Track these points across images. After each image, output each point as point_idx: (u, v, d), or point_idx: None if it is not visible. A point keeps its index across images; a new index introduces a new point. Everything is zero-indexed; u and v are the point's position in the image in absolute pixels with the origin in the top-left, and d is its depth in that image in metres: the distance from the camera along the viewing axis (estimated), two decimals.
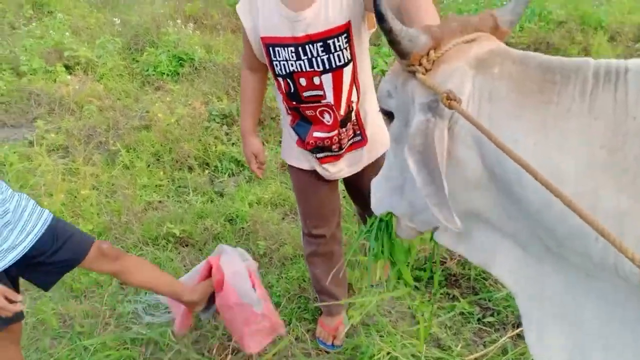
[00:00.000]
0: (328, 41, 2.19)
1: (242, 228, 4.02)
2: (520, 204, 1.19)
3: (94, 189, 4.58)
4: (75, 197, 4.44)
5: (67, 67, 6.94)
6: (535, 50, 6.12)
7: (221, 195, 4.52)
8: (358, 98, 2.42)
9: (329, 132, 2.43)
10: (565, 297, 1.31)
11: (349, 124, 2.45)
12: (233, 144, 5.19)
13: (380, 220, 1.68)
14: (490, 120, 1.17)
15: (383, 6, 1.18)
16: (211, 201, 4.43)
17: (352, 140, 2.53)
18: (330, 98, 2.33)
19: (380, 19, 1.19)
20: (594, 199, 1.08)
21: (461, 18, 1.33)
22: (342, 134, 2.47)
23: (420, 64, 1.25)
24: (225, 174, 4.82)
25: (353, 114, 2.44)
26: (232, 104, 5.73)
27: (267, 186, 4.53)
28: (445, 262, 3.35)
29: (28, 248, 2.04)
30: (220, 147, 5.06)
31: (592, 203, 1.08)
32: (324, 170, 2.60)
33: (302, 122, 2.46)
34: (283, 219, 4.16)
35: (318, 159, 2.55)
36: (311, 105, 2.37)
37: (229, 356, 2.87)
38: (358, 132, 2.52)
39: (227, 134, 5.35)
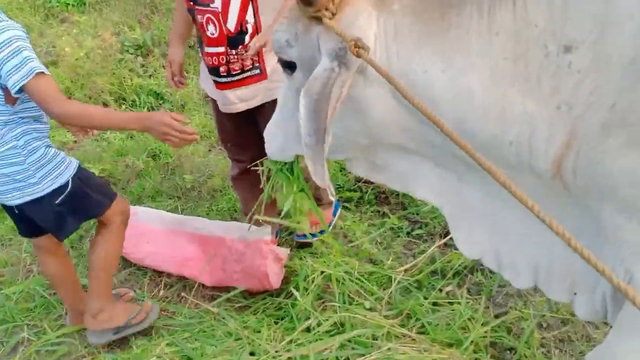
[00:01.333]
0: None
1: (167, 163, 3.88)
2: (437, 129, 1.22)
3: None
4: None
5: None
6: None
7: None
8: (256, 21, 2.33)
9: (215, 47, 2.35)
10: (484, 200, 1.40)
11: (240, 47, 2.35)
12: (150, 75, 4.93)
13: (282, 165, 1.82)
14: (398, 57, 1.22)
15: None
16: (131, 137, 4.23)
17: (249, 73, 2.43)
18: (218, 3, 2.27)
19: None
20: (502, 106, 1.14)
21: None
22: (232, 58, 2.37)
23: (327, 9, 1.22)
24: (144, 108, 4.59)
25: (247, 37, 2.34)
26: (145, 32, 5.39)
27: (190, 118, 4.36)
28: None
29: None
30: (137, 80, 4.79)
31: (500, 110, 1.15)
32: (221, 98, 2.52)
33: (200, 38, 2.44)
34: (209, 151, 4.04)
35: (215, 83, 2.48)
36: (201, 8, 2.31)
37: (161, 291, 2.82)
38: (257, 64, 2.43)
39: (142, 65, 5.06)
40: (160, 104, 4.66)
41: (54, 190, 2.23)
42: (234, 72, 2.42)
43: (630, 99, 1.03)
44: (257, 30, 2.37)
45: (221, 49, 2.36)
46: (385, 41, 1.23)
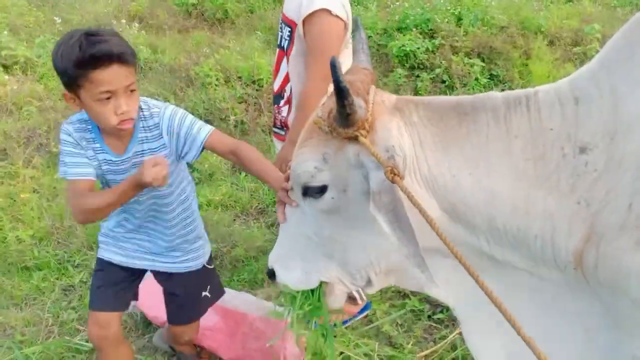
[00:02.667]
0: (282, 24, 2.61)
1: None
2: (469, 226, 1.32)
3: (34, 192, 4.39)
4: (15, 200, 4.25)
5: (4, 66, 6.63)
6: (479, 54, 6.30)
7: None
8: (290, 96, 2.68)
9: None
10: (505, 299, 1.39)
11: (276, 106, 2.79)
12: None
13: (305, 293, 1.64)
14: (428, 163, 1.31)
15: (345, 82, 1.20)
16: None
17: (277, 130, 2.85)
18: (274, 68, 2.76)
19: (343, 91, 1.22)
20: (526, 203, 1.23)
21: (353, 76, 1.41)
22: (275, 111, 2.82)
23: (363, 128, 1.29)
24: None
25: (282, 102, 2.72)
26: (180, 103, 5.62)
27: (217, 187, 4.47)
28: None
29: None
30: None
31: (525, 207, 1.23)
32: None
33: None
34: (234, 220, 4.11)
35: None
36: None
37: None
38: (284, 128, 2.80)
39: None
40: (190, 172, 4.77)
41: None
42: (276, 125, 2.86)
43: None
44: (289, 101, 2.71)
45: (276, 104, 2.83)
46: (414, 149, 1.31)
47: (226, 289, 3.06)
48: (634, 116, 1.12)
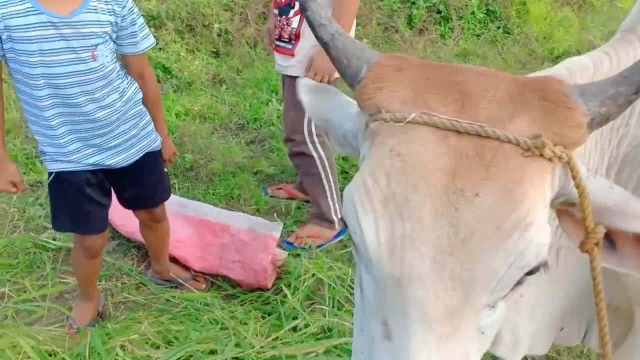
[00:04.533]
0: None
1: None
2: None
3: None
4: None
5: None
6: None
7: None
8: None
9: (275, 8, 2.74)
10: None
11: (284, 17, 2.68)
12: (161, 48, 4.85)
13: None
14: None
15: None
16: None
17: (283, 44, 2.75)
18: None
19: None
20: None
21: None
22: (277, 23, 2.73)
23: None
24: None
25: (292, 12, 2.65)
26: (161, 5, 5.30)
27: (196, 97, 4.30)
28: None
29: None
30: (147, 52, 4.70)
31: None
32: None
33: None
34: (212, 133, 3.98)
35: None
36: None
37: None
38: (292, 42, 2.70)
39: (154, 37, 4.97)
40: (167, 78, 4.59)
41: None
42: (282, 38, 2.77)
43: None
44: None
45: (276, 11, 2.72)
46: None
47: (208, 205, 3.01)
48: None
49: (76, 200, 2.16)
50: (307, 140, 2.87)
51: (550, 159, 0.83)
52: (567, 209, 0.93)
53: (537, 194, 0.82)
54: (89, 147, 2.09)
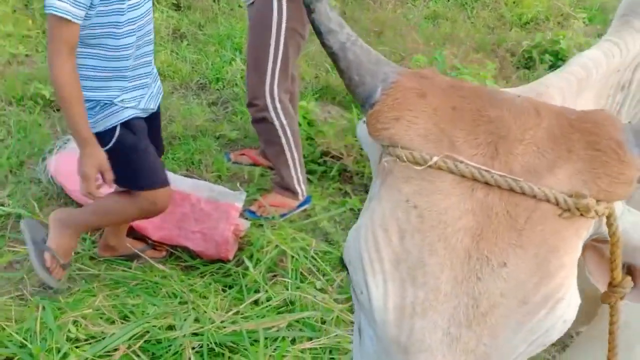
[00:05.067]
0: None
1: None
2: None
3: None
4: None
5: None
6: None
7: None
8: None
9: None
10: None
11: None
12: None
13: None
14: None
15: None
16: None
17: None
18: None
19: None
20: None
21: None
22: None
23: None
24: None
25: None
26: None
27: (155, 53, 4.07)
28: (342, 158, 3.29)
29: None
30: None
31: None
32: None
33: None
34: (172, 93, 3.81)
35: None
36: None
37: None
38: None
39: None
40: None
41: None
42: None
43: None
44: None
45: None
46: None
47: (170, 173, 2.88)
48: None
49: (149, 148, 2.20)
50: (270, 106, 2.76)
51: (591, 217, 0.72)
52: (595, 245, 0.81)
53: (572, 261, 0.72)
54: (145, 90, 2.18)
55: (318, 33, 0.82)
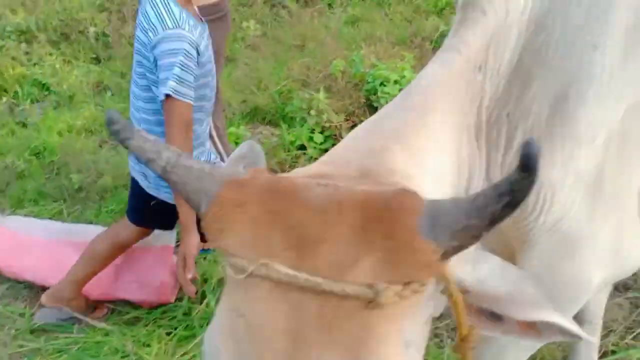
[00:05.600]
0: None
1: (52, 162, 3.58)
2: None
3: None
4: None
5: None
6: None
7: (24, 125, 3.96)
8: None
9: None
10: None
11: None
12: (35, 64, 4.54)
13: None
14: None
15: None
16: (12, 133, 3.87)
17: None
18: None
19: None
20: None
21: None
22: None
23: None
24: (27, 100, 4.21)
25: None
26: (29, 16, 4.95)
27: (79, 111, 4.06)
28: None
29: None
30: (19, 70, 4.40)
31: None
32: None
33: None
34: (100, 146, 3.77)
35: None
36: None
37: None
38: None
39: (26, 53, 4.66)
40: (45, 96, 4.30)
41: None
42: None
43: None
44: None
45: None
46: None
47: (91, 226, 2.85)
48: None
49: None
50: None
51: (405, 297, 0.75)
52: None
53: (389, 348, 0.75)
54: None
55: (141, 162, 0.87)
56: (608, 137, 1.23)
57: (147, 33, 2.03)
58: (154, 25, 2.01)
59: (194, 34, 2.03)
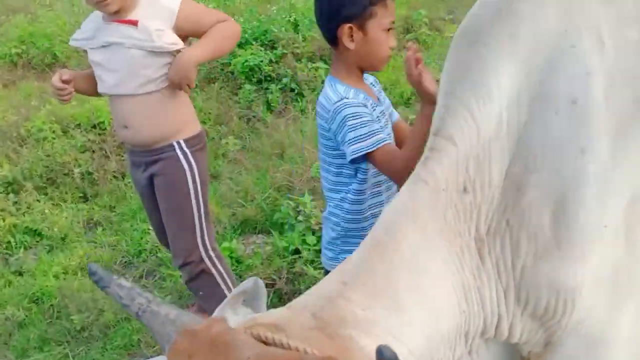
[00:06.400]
0: None
1: (51, 306, 3.56)
2: None
3: None
4: None
5: None
6: (321, 57, 6.36)
7: (20, 274, 3.97)
8: None
9: None
10: None
11: None
12: (24, 213, 4.61)
13: None
14: None
15: None
16: (9, 284, 3.87)
17: None
18: None
19: None
20: None
21: None
22: None
23: None
24: (20, 248, 4.25)
25: None
26: (15, 167, 5.10)
27: (72, 250, 4.09)
28: (275, 284, 3.29)
29: None
30: (10, 220, 4.47)
31: None
32: None
33: None
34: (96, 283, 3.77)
35: None
36: None
37: None
38: None
39: (15, 202, 4.74)
40: (37, 241, 4.35)
41: None
42: None
43: None
44: None
45: None
46: None
47: None
48: None
49: None
50: (205, 257, 2.79)
51: None
52: None
53: None
54: None
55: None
56: (614, 232, 1.27)
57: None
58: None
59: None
